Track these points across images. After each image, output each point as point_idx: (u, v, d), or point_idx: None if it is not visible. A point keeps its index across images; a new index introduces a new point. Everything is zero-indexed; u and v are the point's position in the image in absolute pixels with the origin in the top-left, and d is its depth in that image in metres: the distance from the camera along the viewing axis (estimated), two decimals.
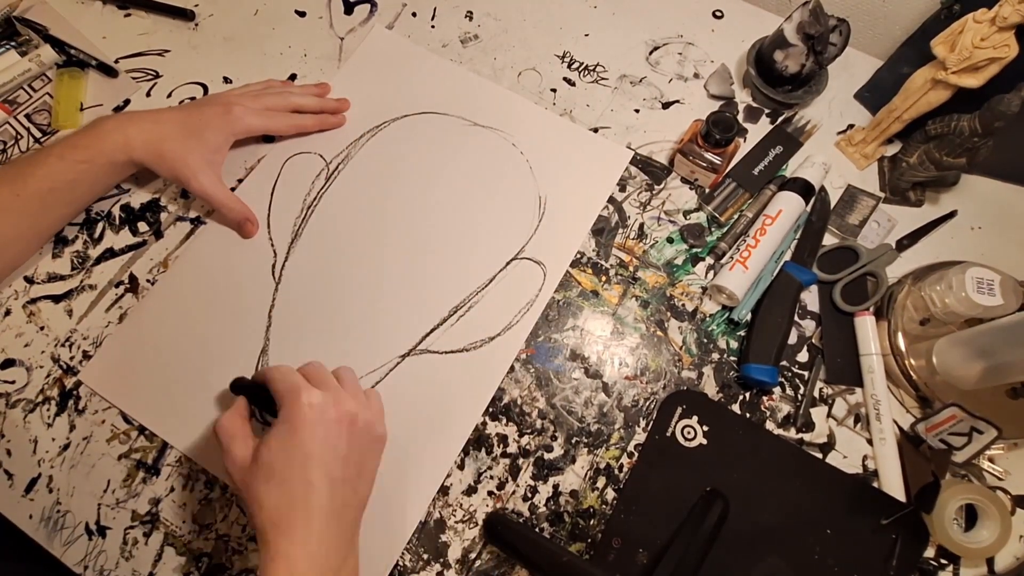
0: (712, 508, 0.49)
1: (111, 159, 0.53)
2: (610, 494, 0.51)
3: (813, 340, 0.56)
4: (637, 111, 0.64)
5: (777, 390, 0.54)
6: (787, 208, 0.56)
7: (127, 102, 0.64)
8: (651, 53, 0.66)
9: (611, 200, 0.60)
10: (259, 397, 0.45)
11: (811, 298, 0.57)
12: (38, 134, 0.63)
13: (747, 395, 0.54)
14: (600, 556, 0.49)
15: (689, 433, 0.52)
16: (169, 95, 0.65)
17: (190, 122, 0.55)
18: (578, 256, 0.58)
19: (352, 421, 0.41)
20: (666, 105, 0.64)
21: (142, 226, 0.60)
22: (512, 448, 0.53)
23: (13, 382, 0.55)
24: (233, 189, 0.60)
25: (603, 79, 0.65)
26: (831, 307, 0.56)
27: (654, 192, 0.60)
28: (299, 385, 0.41)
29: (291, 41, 0.67)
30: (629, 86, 0.65)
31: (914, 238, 0.58)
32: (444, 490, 0.51)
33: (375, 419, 0.43)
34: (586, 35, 0.67)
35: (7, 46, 0.64)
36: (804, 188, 0.57)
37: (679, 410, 0.53)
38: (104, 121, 0.54)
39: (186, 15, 0.67)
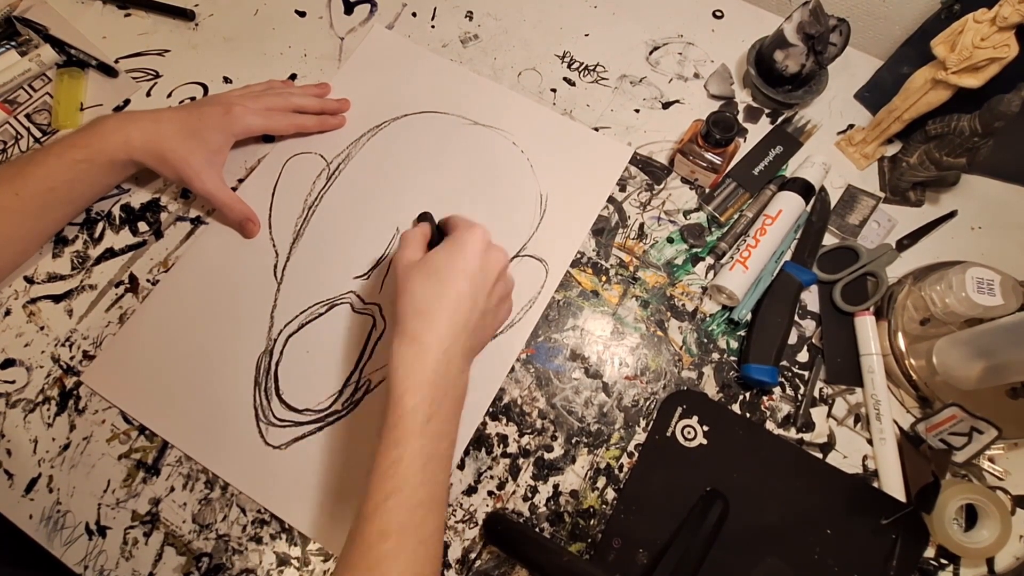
0: (712, 508, 0.49)
1: (111, 159, 0.53)
2: (610, 494, 0.51)
3: (813, 340, 0.56)
4: (637, 111, 0.64)
5: (777, 390, 0.54)
6: (787, 208, 0.56)
7: (127, 102, 0.64)
8: (651, 53, 0.66)
9: (611, 200, 0.60)
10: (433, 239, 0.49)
11: (811, 298, 0.57)
12: (38, 134, 0.63)
13: (747, 395, 0.54)
14: (600, 556, 0.49)
15: (689, 433, 0.52)
16: (169, 95, 0.65)
17: (191, 122, 0.55)
18: (578, 256, 0.58)
19: (505, 266, 0.47)
20: (666, 105, 0.64)
21: (142, 226, 0.60)
22: (512, 448, 0.53)
23: (13, 382, 0.55)
24: (234, 189, 0.60)
25: (603, 79, 0.65)
26: (831, 307, 0.56)
27: (654, 192, 0.60)
28: (475, 223, 0.46)
29: (291, 41, 0.67)
30: (629, 86, 0.65)
31: (914, 238, 0.58)
32: None
33: (512, 284, 0.50)
34: (586, 35, 0.67)
35: (7, 46, 0.64)
36: (804, 188, 0.57)
37: (679, 410, 0.53)
38: (104, 121, 0.54)
39: (186, 15, 0.67)
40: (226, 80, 0.65)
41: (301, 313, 0.56)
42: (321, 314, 0.56)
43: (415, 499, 0.39)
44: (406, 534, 0.38)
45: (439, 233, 0.50)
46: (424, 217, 0.52)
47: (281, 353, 0.54)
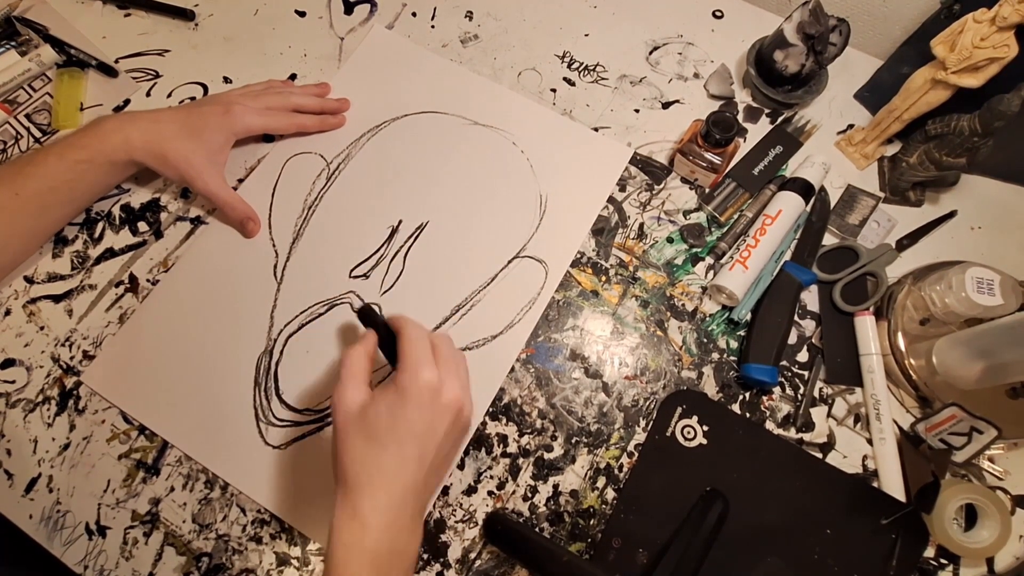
0: (712, 508, 0.49)
1: (111, 159, 0.53)
2: (610, 494, 0.51)
3: (813, 340, 0.56)
4: (637, 111, 0.64)
5: (777, 390, 0.54)
6: (787, 208, 0.56)
7: (127, 102, 0.64)
8: (651, 53, 0.66)
9: (611, 200, 0.60)
10: (384, 338, 0.45)
11: (811, 298, 0.57)
12: (38, 134, 0.63)
13: (747, 395, 0.54)
14: (600, 556, 0.49)
15: (689, 433, 0.52)
16: (169, 95, 0.65)
17: (191, 122, 0.55)
18: (578, 256, 0.58)
19: (458, 411, 0.42)
20: (666, 105, 0.64)
21: (142, 226, 0.60)
22: (512, 448, 0.53)
23: (13, 382, 0.55)
24: (234, 189, 0.60)
25: (603, 79, 0.65)
26: (831, 307, 0.56)
27: (654, 192, 0.60)
28: (424, 360, 0.41)
29: (291, 41, 0.67)
30: (629, 86, 0.65)
31: (914, 238, 0.58)
32: (444, 490, 0.51)
33: (471, 409, 0.44)
34: (586, 35, 0.67)
35: (7, 46, 0.64)
36: (804, 188, 0.57)
37: (679, 410, 0.53)
38: (104, 121, 0.54)
39: (186, 15, 0.67)
40: (226, 80, 0.65)
41: (301, 313, 0.56)
42: (321, 314, 0.56)
43: None
44: None
45: (388, 332, 0.45)
46: (366, 317, 0.46)
47: (281, 353, 0.54)
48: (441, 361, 0.42)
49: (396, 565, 0.39)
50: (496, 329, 0.55)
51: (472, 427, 0.52)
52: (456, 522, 0.51)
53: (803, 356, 0.55)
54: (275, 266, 0.57)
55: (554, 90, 0.64)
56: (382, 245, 0.58)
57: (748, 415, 0.53)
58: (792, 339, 0.55)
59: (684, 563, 0.47)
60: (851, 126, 0.63)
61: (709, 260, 0.58)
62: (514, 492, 0.51)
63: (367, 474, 0.39)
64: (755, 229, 0.56)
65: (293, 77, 0.65)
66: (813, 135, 0.62)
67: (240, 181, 0.61)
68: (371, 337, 0.45)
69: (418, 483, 0.40)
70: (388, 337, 0.45)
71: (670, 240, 0.59)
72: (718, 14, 0.68)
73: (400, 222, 0.59)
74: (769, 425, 0.53)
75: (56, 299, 0.57)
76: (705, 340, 0.56)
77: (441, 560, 0.50)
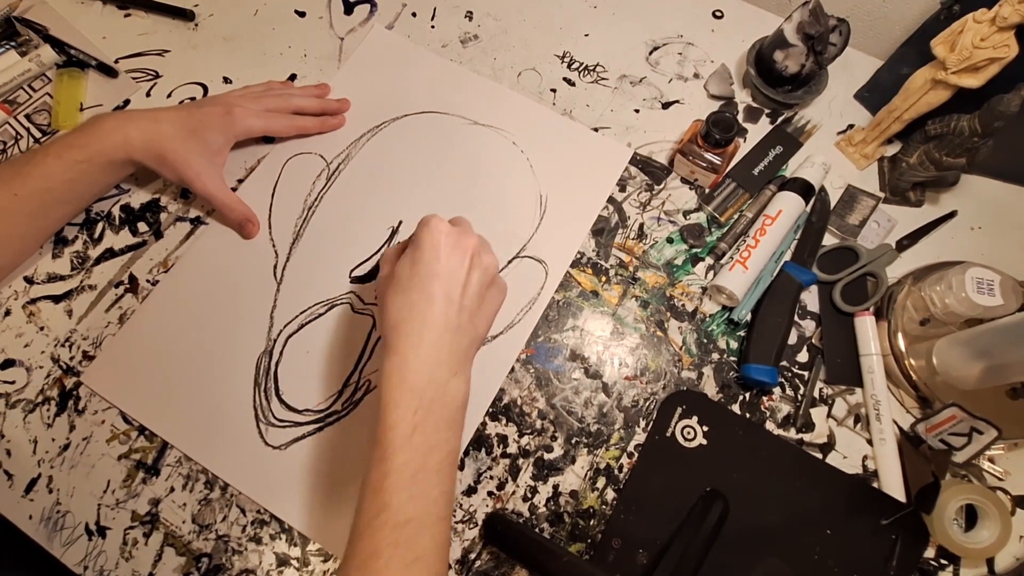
0: (712, 508, 0.49)
1: (110, 159, 0.53)
2: (610, 494, 0.51)
3: (813, 340, 0.56)
4: (637, 111, 0.64)
5: (777, 390, 0.54)
6: (787, 208, 0.56)
7: (127, 102, 0.64)
8: (651, 53, 0.66)
9: (611, 200, 0.60)
10: None
11: (811, 298, 0.57)
12: (38, 134, 0.63)
13: (747, 395, 0.54)
14: (600, 556, 0.49)
15: (689, 433, 0.52)
16: (169, 95, 0.65)
17: (190, 123, 0.55)
18: (578, 256, 0.58)
19: (475, 253, 0.44)
20: (666, 105, 0.64)
21: (142, 226, 0.60)
22: (512, 448, 0.53)
23: (13, 382, 0.55)
24: (233, 190, 0.60)
25: (603, 79, 0.65)
26: (831, 307, 0.56)
27: (654, 192, 0.60)
28: (437, 217, 0.44)
29: (291, 41, 0.67)
30: (629, 86, 0.65)
31: (914, 238, 0.58)
32: None
33: (494, 263, 0.46)
34: (586, 35, 0.67)
35: (7, 46, 0.64)
36: (804, 188, 0.57)
37: (679, 410, 0.53)
38: (102, 120, 0.53)
39: (186, 15, 0.67)
40: (226, 80, 0.65)
41: (301, 313, 0.56)
42: (321, 314, 0.56)
43: (403, 515, 0.38)
44: (397, 553, 0.37)
45: None
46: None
47: (281, 353, 0.54)
48: (457, 223, 0.45)
49: (438, 398, 0.40)
50: (496, 330, 0.55)
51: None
52: (456, 522, 0.51)
53: (803, 356, 0.55)
54: (275, 266, 0.57)
55: (554, 90, 0.64)
56: (382, 245, 0.58)
57: (748, 415, 0.53)
58: (792, 339, 0.55)
59: (684, 563, 0.47)
60: (851, 126, 0.63)
61: (709, 260, 0.58)
62: (514, 492, 0.51)
63: (399, 317, 0.41)
64: (755, 229, 0.56)
65: (293, 77, 0.65)
66: (813, 135, 0.62)
67: (240, 182, 0.61)
68: (404, 240, 0.47)
69: (450, 320, 0.42)
70: None
71: (670, 240, 0.59)
72: (718, 14, 0.68)
73: (400, 222, 0.59)
74: (769, 425, 0.53)
75: (56, 299, 0.57)
76: (705, 340, 0.56)
77: None
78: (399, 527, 0.37)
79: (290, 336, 0.55)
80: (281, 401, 0.53)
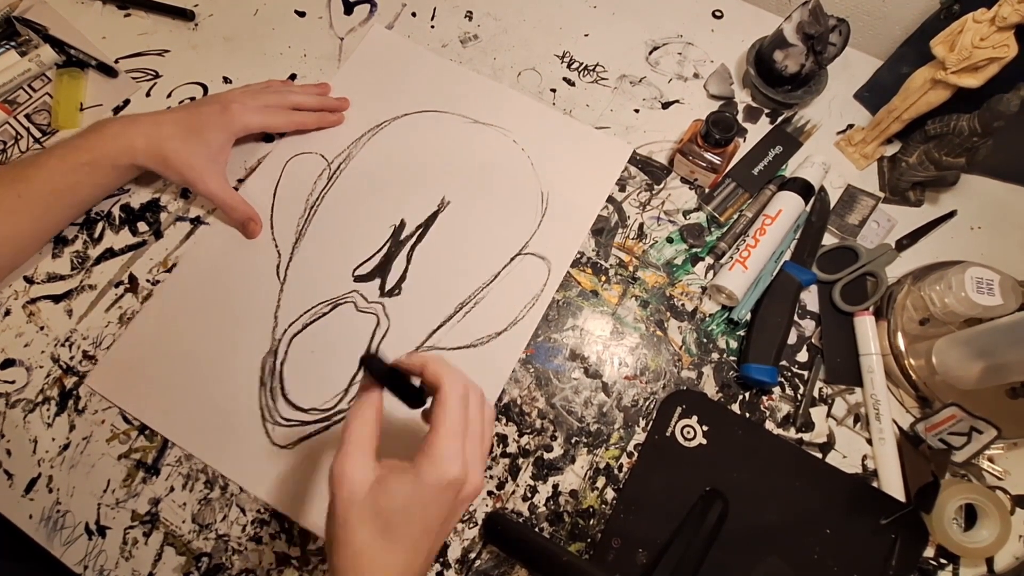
0: (712, 508, 0.49)
1: (114, 163, 0.54)
2: (610, 494, 0.51)
3: (813, 340, 0.56)
4: (637, 111, 0.64)
5: (777, 390, 0.54)
6: (787, 208, 0.56)
7: (127, 102, 0.64)
8: (651, 53, 0.66)
9: (611, 200, 0.60)
10: (398, 384, 0.38)
11: (811, 298, 0.57)
12: (38, 134, 0.63)
13: (747, 395, 0.54)
14: (600, 556, 0.49)
15: (689, 433, 0.52)
16: (169, 95, 0.65)
17: (190, 122, 0.55)
18: (578, 256, 0.58)
19: (470, 500, 0.37)
20: (666, 105, 0.64)
21: (142, 226, 0.60)
22: (512, 448, 0.53)
23: (13, 382, 0.55)
24: (235, 189, 0.60)
25: (603, 79, 0.65)
26: (831, 307, 0.56)
27: (654, 192, 0.60)
28: (455, 453, 0.35)
29: (291, 41, 0.67)
30: (629, 86, 0.65)
31: (914, 238, 0.58)
32: None
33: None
34: (586, 35, 0.67)
35: (7, 46, 0.64)
36: (804, 188, 0.57)
37: (679, 410, 0.53)
38: (106, 125, 0.54)
39: (186, 15, 0.67)
40: (226, 80, 0.65)
41: (305, 313, 0.56)
42: (325, 313, 0.56)
43: None
44: None
45: (397, 378, 0.38)
46: (373, 367, 0.37)
47: (286, 353, 0.54)
48: (469, 435, 0.36)
49: None
50: (500, 326, 0.55)
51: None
52: (456, 522, 0.51)
53: (803, 356, 0.55)
54: (278, 266, 0.57)
55: (554, 90, 0.64)
56: (384, 244, 0.58)
57: (748, 415, 0.53)
58: (792, 339, 0.55)
59: (684, 563, 0.47)
60: (851, 126, 0.63)
61: (709, 260, 0.58)
62: (514, 492, 0.51)
63: (370, 568, 0.34)
64: (755, 229, 0.56)
65: (293, 77, 0.65)
66: (813, 135, 0.62)
67: (240, 181, 0.61)
68: (375, 396, 0.38)
69: (416, 571, 0.36)
70: (400, 378, 0.38)
71: (670, 240, 0.59)
72: (718, 14, 0.68)
73: (402, 221, 0.59)
74: (769, 425, 0.53)
75: (56, 299, 0.57)
76: (705, 340, 0.56)
77: (441, 560, 0.50)
78: None
79: (295, 336, 0.55)
80: (287, 400, 0.53)
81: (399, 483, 0.34)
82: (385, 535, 0.34)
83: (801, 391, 0.54)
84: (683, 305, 0.57)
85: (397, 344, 0.55)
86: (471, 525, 0.51)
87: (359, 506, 0.34)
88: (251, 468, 0.51)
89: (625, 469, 0.52)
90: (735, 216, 0.59)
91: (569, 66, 0.66)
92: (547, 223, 0.59)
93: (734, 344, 0.56)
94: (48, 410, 0.54)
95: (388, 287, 0.57)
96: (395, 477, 0.35)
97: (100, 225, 0.60)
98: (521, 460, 0.52)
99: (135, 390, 0.54)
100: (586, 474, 0.52)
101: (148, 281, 0.57)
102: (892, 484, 0.50)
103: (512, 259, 0.57)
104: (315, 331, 0.55)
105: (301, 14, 0.69)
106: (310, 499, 0.50)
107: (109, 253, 0.59)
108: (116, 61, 0.66)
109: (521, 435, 0.53)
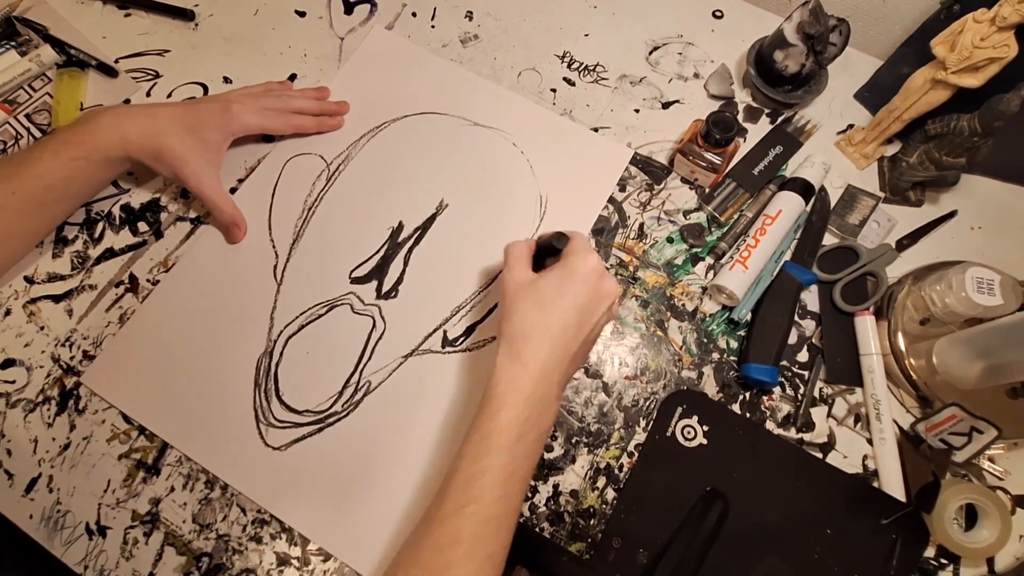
0: (712, 508, 0.49)
1: (106, 155, 0.53)
2: (610, 494, 0.51)
3: (813, 340, 0.56)
4: (637, 111, 0.64)
5: (777, 390, 0.54)
6: (787, 208, 0.56)
7: (127, 102, 0.64)
8: (651, 53, 0.66)
9: (611, 200, 0.60)
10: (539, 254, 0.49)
11: (811, 298, 0.57)
12: (38, 134, 0.63)
13: (747, 395, 0.54)
14: (600, 556, 0.49)
15: (689, 433, 0.52)
16: (169, 95, 0.65)
17: (188, 119, 0.55)
18: None
19: (614, 298, 0.46)
20: (666, 105, 0.64)
21: (142, 226, 0.60)
22: None
23: (13, 382, 0.55)
24: (233, 190, 0.60)
25: (603, 79, 0.65)
26: (831, 307, 0.56)
27: (654, 192, 0.60)
28: (591, 249, 0.46)
29: (291, 41, 0.67)
30: (629, 86, 0.65)
31: (914, 238, 0.58)
32: None
33: (616, 314, 0.49)
34: (586, 35, 0.67)
35: (7, 46, 0.64)
36: (804, 188, 0.57)
37: (679, 410, 0.53)
38: (99, 116, 0.53)
39: (186, 15, 0.67)
40: (226, 80, 0.65)
41: (301, 314, 0.56)
42: (321, 315, 0.56)
43: (491, 512, 0.39)
44: (477, 545, 0.39)
45: (549, 246, 0.48)
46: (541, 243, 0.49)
47: (281, 354, 0.54)
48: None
49: (543, 416, 0.42)
50: (496, 331, 0.55)
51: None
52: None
53: (803, 356, 0.55)
54: (275, 267, 0.57)
55: (554, 90, 0.64)
56: (382, 246, 0.58)
57: (748, 415, 0.53)
58: (792, 339, 0.55)
59: (684, 563, 0.47)
60: (851, 126, 0.63)
61: (709, 260, 0.58)
62: None
63: (533, 330, 0.43)
64: (755, 229, 0.56)
65: (293, 77, 0.65)
66: (813, 135, 0.62)
67: (240, 181, 0.61)
68: (531, 241, 0.49)
69: (571, 352, 0.43)
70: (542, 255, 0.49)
71: (670, 240, 0.59)
72: (718, 14, 0.68)
73: (400, 223, 0.59)
74: (769, 425, 0.53)
75: (56, 299, 0.57)
76: (705, 340, 0.56)
77: None
78: (485, 522, 0.39)
79: (290, 337, 0.55)
80: (281, 402, 0.53)
81: (553, 273, 0.44)
82: (541, 306, 0.43)
83: (801, 391, 0.54)
84: (683, 305, 0.57)
85: (393, 347, 0.55)
86: None
87: (523, 290, 0.44)
88: (244, 470, 0.51)
89: (625, 469, 0.52)
90: (735, 216, 0.59)
91: (569, 66, 0.66)
92: (545, 227, 0.59)
93: (734, 344, 0.56)
94: (48, 410, 0.54)
95: (385, 289, 0.57)
96: (551, 272, 0.45)
97: (100, 225, 0.60)
98: None
99: (129, 389, 0.54)
100: (586, 474, 0.52)
101: (148, 281, 0.57)
102: (893, 484, 0.50)
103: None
104: (311, 333, 0.55)
105: (301, 14, 0.69)
106: (302, 502, 0.50)
107: (109, 253, 0.59)
108: (116, 61, 0.66)
109: None
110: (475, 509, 0.39)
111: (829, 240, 0.59)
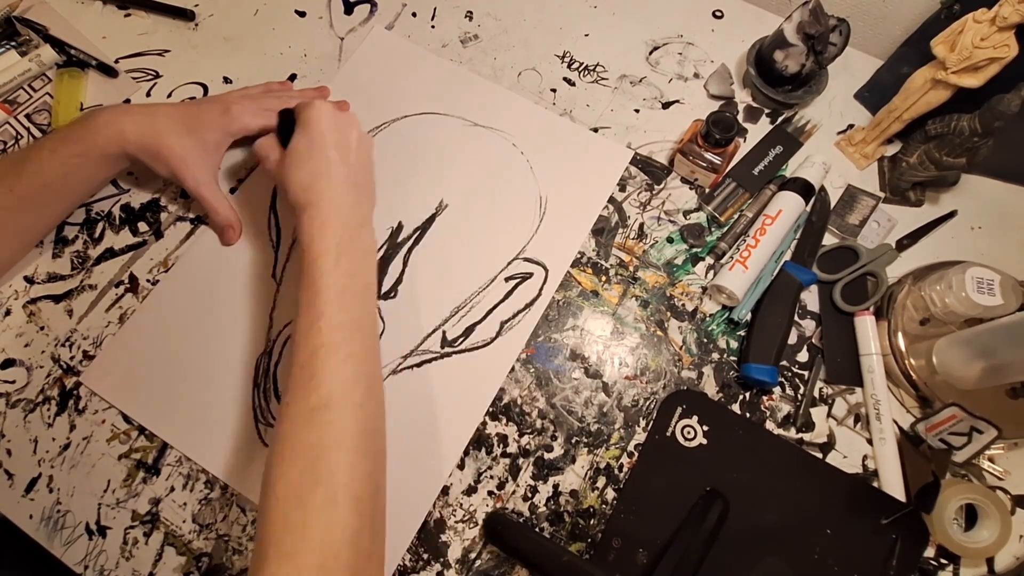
0: (712, 508, 0.49)
1: (104, 152, 0.53)
2: (610, 494, 0.51)
3: (813, 340, 0.56)
4: (637, 111, 0.64)
5: (777, 390, 0.54)
6: (787, 208, 0.56)
7: (127, 102, 0.64)
8: (651, 53, 0.66)
9: (611, 200, 0.60)
10: (284, 132, 0.53)
11: (811, 298, 0.57)
12: (38, 134, 0.63)
13: (747, 395, 0.54)
14: (600, 556, 0.49)
15: (689, 433, 0.52)
16: (169, 95, 0.65)
17: (188, 119, 0.55)
18: (578, 256, 0.58)
19: (357, 123, 0.53)
20: (666, 105, 0.64)
21: (142, 226, 0.60)
22: (512, 448, 0.53)
23: (13, 382, 0.55)
24: (233, 190, 0.60)
25: (603, 79, 0.65)
26: (831, 307, 0.56)
27: (654, 192, 0.60)
28: (315, 97, 0.53)
29: (291, 41, 0.67)
30: (629, 86, 0.65)
31: (914, 238, 0.58)
32: (444, 490, 0.51)
33: (360, 126, 0.53)
34: (586, 35, 0.67)
35: (7, 46, 0.64)
36: (804, 188, 0.57)
37: (679, 410, 0.53)
38: (97, 114, 0.53)
39: (186, 15, 0.67)
40: (226, 80, 0.65)
41: None
42: None
43: (336, 320, 0.44)
44: (333, 350, 0.43)
45: (286, 123, 0.53)
46: (284, 117, 0.54)
47: (280, 354, 0.54)
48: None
49: (354, 239, 0.47)
50: (496, 330, 0.55)
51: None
52: (456, 522, 0.51)
53: (803, 356, 0.55)
54: (274, 267, 0.57)
55: (554, 90, 0.64)
56: (382, 246, 0.58)
57: (748, 415, 0.53)
58: (792, 339, 0.55)
59: (684, 563, 0.47)
60: (851, 126, 0.63)
61: (709, 260, 0.58)
62: (514, 492, 0.51)
63: (308, 183, 0.48)
64: (755, 229, 0.56)
65: (293, 77, 0.65)
66: (813, 135, 0.62)
67: (240, 181, 0.61)
68: (270, 136, 0.54)
69: (351, 177, 0.49)
70: (288, 129, 0.52)
71: (670, 240, 0.59)
72: (718, 14, 0.68)
73: (400, 223, 0.59)
74: (769, 425, 0.53)
75: (56, 299, 0.57)
76: (705, 340, 0.56)
77: (441, 560, 0.50)
78: (332, 329, 0.43)
79: (289, 337, 0.55)
80: (280, 402, 0.53)
81: (296, 135, 0.50)
82: (302, 162, 0.49)
83: (801, 391, 0.54)
84: (683, 305, 0.57)
85: (392, 347, 0.54)
86: (471, 525, 0.51)
87: (284, 163, 0.50)
88: (243, 469, 0.51)
89: (625, 469, 0.52)
90: (735, 216, 0.59)
91: (569, 66, 0.66)
92: (545, 228, 0.59)
93: (734, 344, 0.56)
94: (48, 410, 0.54)
95: (384, 289, 0.57)
96: (294, 138, 0.50)
97: (100, 225, 0.60)
98: (521, 460, 0.52)
99: (128, 388, 0.54)
100: (586, 474, 0.52)
101: (148, 281, 0.57)
102: (892, 484, 0.50)
103: (509, 263, 0.57)
104: None
105: (301, 14, 0.69)
106: None
107: (109, 253, 0.59)
108: (116, 61, 0.66)
109: (521, 435, 0.53)
110: (320, 324, 0.43)
111: (829, 240, 0.59)
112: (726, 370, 0.55)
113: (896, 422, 0.52)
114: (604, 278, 0.57)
